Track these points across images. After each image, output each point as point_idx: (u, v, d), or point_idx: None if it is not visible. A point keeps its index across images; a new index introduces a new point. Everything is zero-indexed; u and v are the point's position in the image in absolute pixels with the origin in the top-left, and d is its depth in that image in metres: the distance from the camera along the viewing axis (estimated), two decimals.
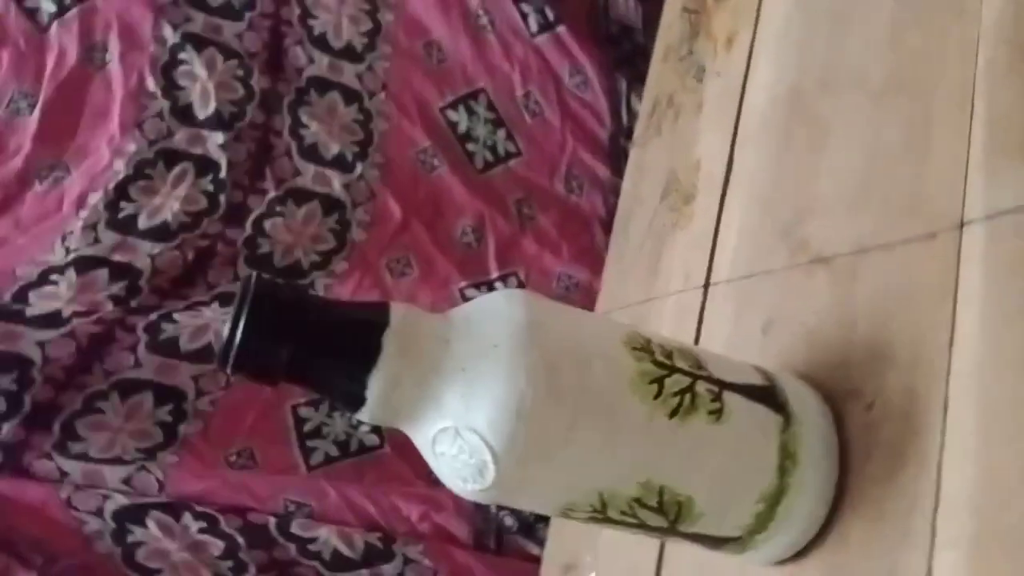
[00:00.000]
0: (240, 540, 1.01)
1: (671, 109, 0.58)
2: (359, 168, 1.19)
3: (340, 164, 1.19)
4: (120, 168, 1.10)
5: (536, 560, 1.10)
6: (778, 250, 0.42)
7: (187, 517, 1.01)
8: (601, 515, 0.31)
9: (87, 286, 1.06)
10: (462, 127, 1.28)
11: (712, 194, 0.49)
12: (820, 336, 0.37)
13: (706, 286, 0.47)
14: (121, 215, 1.08)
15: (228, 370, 0.28)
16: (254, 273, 0.30)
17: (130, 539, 1.00)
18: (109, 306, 1.07)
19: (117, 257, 1.08)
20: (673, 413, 0.30)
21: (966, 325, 0.29)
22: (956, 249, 0.31)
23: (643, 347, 0.32)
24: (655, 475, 0.30)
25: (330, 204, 1.18)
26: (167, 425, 1.06)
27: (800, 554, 0.33)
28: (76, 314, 1.05)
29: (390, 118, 1.26)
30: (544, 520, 1.13)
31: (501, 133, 1.29)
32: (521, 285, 1.22)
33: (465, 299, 1.19)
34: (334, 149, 1.19)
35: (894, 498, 0.30)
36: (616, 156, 1.33)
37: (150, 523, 1.00)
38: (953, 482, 0.28)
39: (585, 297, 1.17)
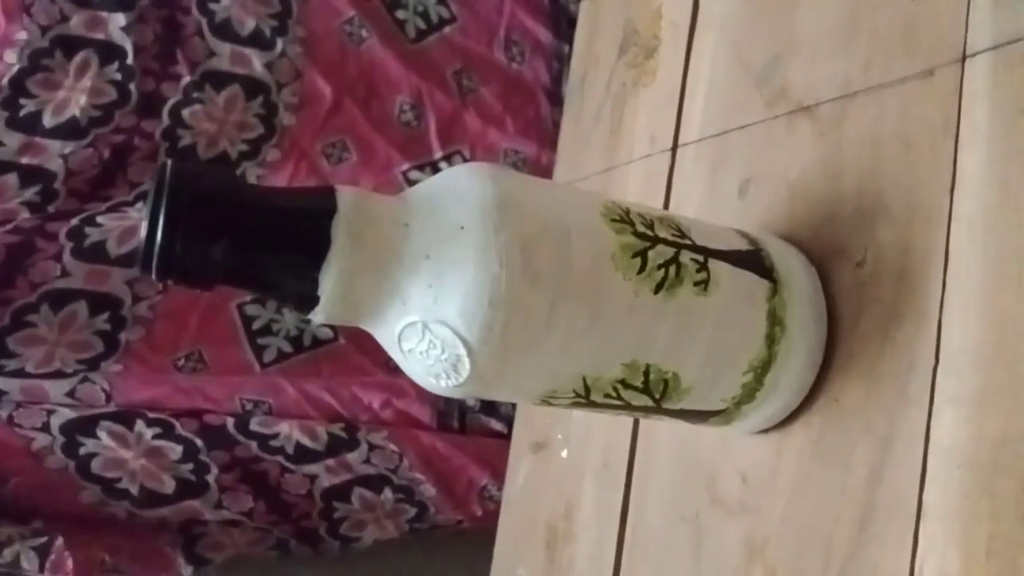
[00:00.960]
0: (198, 442, 1.00)
1: None
2: (280, 44, 1.10)
3: (258, 41, 1.09)
4: (12, 60, 0.98)
5: (500, 436, 1.12)
6: (754, 102, 0.39)
7: (140, 424, 0.98)
8: (584, 400, 0.29)
9: None
10: None
11: (677, 45, 0.45)
12: (803, 193, 0.34)
13: (674, 148, 0.44)
14: (22, 113, 0.98)
15: (152, 276, 0.24)
16: (169, 160, 0.26)
17: (82, 451, 0.97)
18: (25, 213, 0.99)
19: (25, 160, 0.99)
20: (659, 287, 0.28)
21: (969, 167, 0.27)
22: (958, 85, 0.28)
23: (622, 218, 0.29)
24: (641, 355, 0.28)
25: (252, 86, 1.09)
26: (106, 334, 1.01)
27: (785, 421, 0.32)
28: None
29: None
30: None
31: None
32: (466, 163, 1.17)
33: (410, 183, 1.14)
34: (250, 24, 1.09)
35: (889, 358, 0.29)
36: (557, 18, 1.25)
37: (101, 433, 0.97)
38: (954, 338, 0.27)
39: (534, 172, 1.13)
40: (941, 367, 0.27)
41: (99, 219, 1.01)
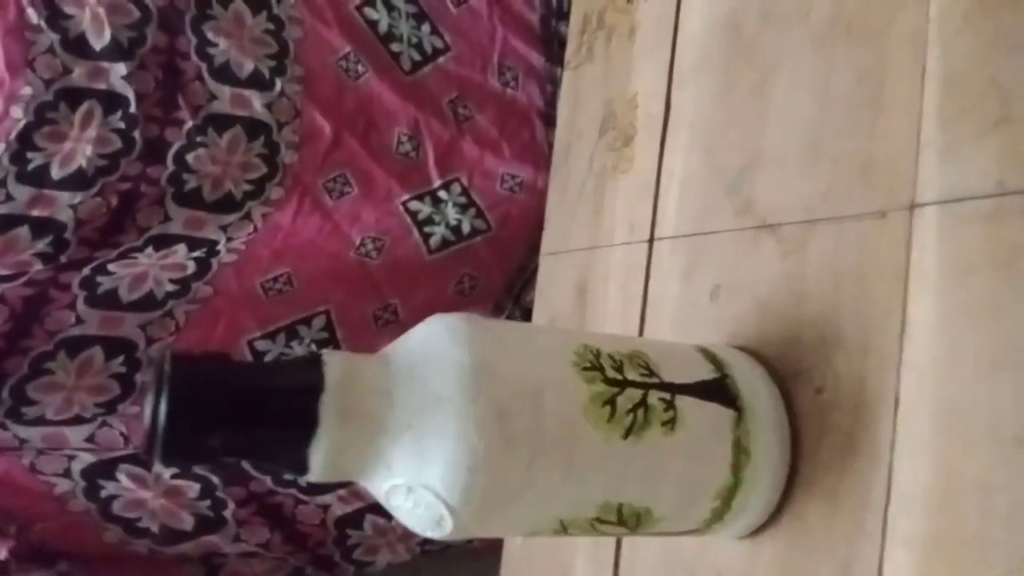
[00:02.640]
0: (214, 479, 1.03)
1: (602, 31, 0.54)
2: (279, 84, 1.12)
3: (257, 82, 1.11)
4: (19, 115, 1.01)
5: None
6: (724, 209, 0.40)
7: (157, 465, 1.01)
8: (563, 532, 0.31)
9: (8, 247, 1.01)
10: (383, 26, 1.19)
11: (652, 137, 0.47)
12: (770, 309, 0.36)
13: (651, 240, 0.46)
14: (30, 167, 1.01)
15: (156, 461, 0.26)
16: (167, 352, 0.28)
17: (103, 494, 1.00)
18: (38, 265, 1.02)
19: (35, 212, 1.02)
20: (628, 432, 0.30)
21: (919, 315, 0.29)
22: (907, 232, 0.30)
23: (593, 364, 0.30)
24: (614, 496, 0.30)
25: (254, 127, 1.11)
26: (122, 376, 1.04)
27: (756, 531, 0.34)
28: (2, 278, 1.00)
29: (303, 23, 1.17)
30: None
31: (425, 28, 1.21)
32: (464, 191, 1.19)
33: (409, 212, 1.15)
34: (248, 66, 1.11)
35: (847, 488, 0.31)
36: (549, 41, 1.26)
37: (121, 476, 1.00)
38: (905, 479, 0.28)
39: (531, 196, 1.15)
40: (892, 506, 0.28)
41: (110, 267, 1.03)
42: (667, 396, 0.31)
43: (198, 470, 1.03)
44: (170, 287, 1.05)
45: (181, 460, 0.26)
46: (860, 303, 0.32)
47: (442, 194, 1.20)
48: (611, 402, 0.30)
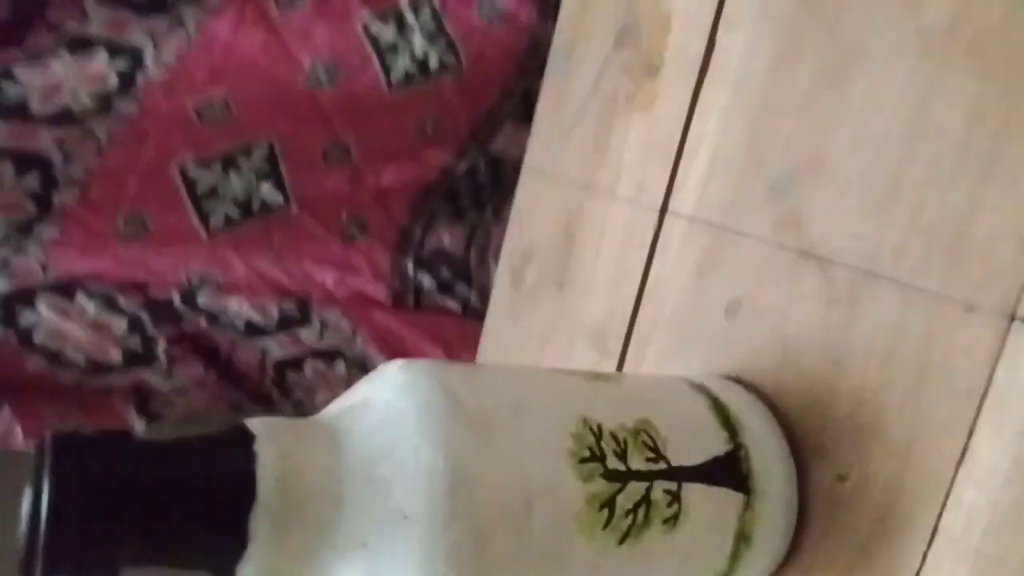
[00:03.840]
0: (144, 317, 0.97)
1: None
2: None
3: None
4: None
5: (455, 315, 1.11)
6: (760, 212, 0.33)
7: (81, 297, 0.95)
8: None
9: None
10: None
11: (683, 80, 0.38)
12: (797, 361, 0.31)
13: (663, 212, 0.39)
14: None
15: None
16: (48, 437, 0.21)
17: (23, 323, 0.94)
18: None
19: None
20: (624, 537, 0.25)
21: (986, 450, 0.24)
22: (997, 343, 0.24)
23: (592, 451, 0.25)
24: None
25: None
26: (37, 196, 0.93)
27: None
28: None
29: None
30: (463, 279, 1.12)
31: None
32: (436, 15, 1.04)
33: (370, 37, 1.01)
34: None
35: None
36: None
37: (40, 306, 0.94)
38: None
39: (512, 32, 1.02)
40: None
41: (17, 71, 0.89)
42: (673, 487, 0.26)
43: (124, 307, 0.97)
44: (88, 103, 0.92)
45: (72, 573, 0.21)
46: (914, 401, 0.26)
47: (409, 17, 1.05)
48: (610, 504, 0.25)
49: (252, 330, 1.01)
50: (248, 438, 0.22)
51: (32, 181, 0.94)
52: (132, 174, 0.98)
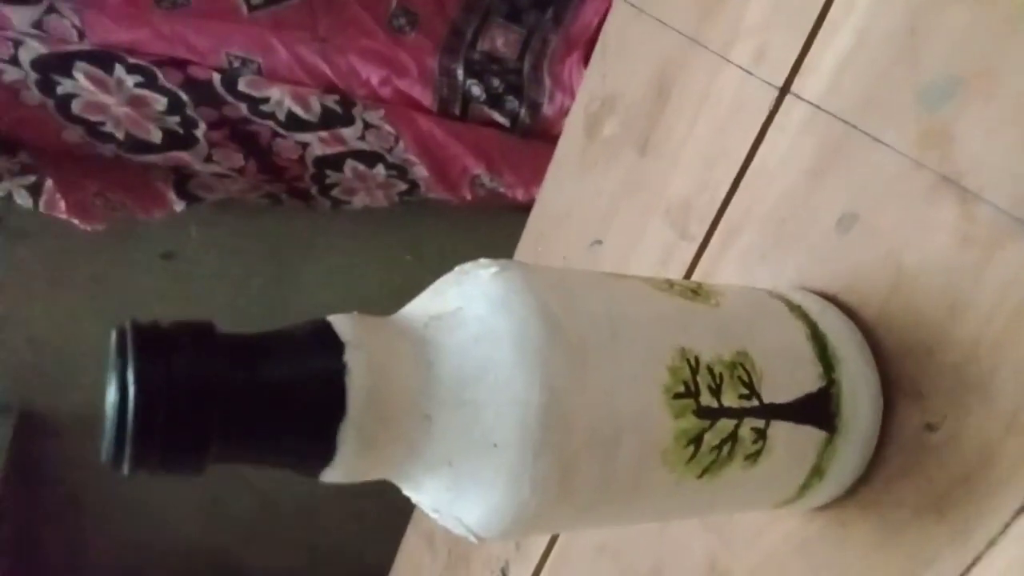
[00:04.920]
0: (184, 96, 0.93)
1: None
2: None
3: None
4: None
5: (501, 128, 1.06)
6: (904, 118, 0.29)
7: (119, 70, 0.90)
8: None
9: None
10: None
11: None
12: (909, 295, 0.28)
13: (784, 90, 0.34)
14: None
15: (125, 470, 0.20)
16: (129, 325, 0.20)
17: (60, 91, 0.91)
18: None
19: None
20: (704, 471, 0.25)
21: None
22: None
23: (687, 386, 0.24)
24: (662, 518, 0.26)
25: None
26: None
27: None
28: None
29: None
30: (514, 91, 1.05)
31: None
32: None
33: None
34: None
35: (911, 545, 0.27)
36: None
37: (78, 75, 0.90)
38: None
39: None
40: None
41: None
42: (761, 425, 0.25)
43: (164, 83, 0.93)
44: None
45: (158, 469, 0.20)
46: None
47: None
48: (697, 440, 0.24)
49: (293, 122, 0.98)
50: (338, 346, 0.21)
51: None
52: None
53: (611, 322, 0.23)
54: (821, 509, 0.30)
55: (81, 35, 0.90)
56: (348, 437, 0.21)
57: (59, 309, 1.11)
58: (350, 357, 0.21)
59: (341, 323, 0.22)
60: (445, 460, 0.22)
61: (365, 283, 1.21)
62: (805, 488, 0.28)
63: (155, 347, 0.20)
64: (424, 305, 0.24)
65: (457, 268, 0.25)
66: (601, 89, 0.47)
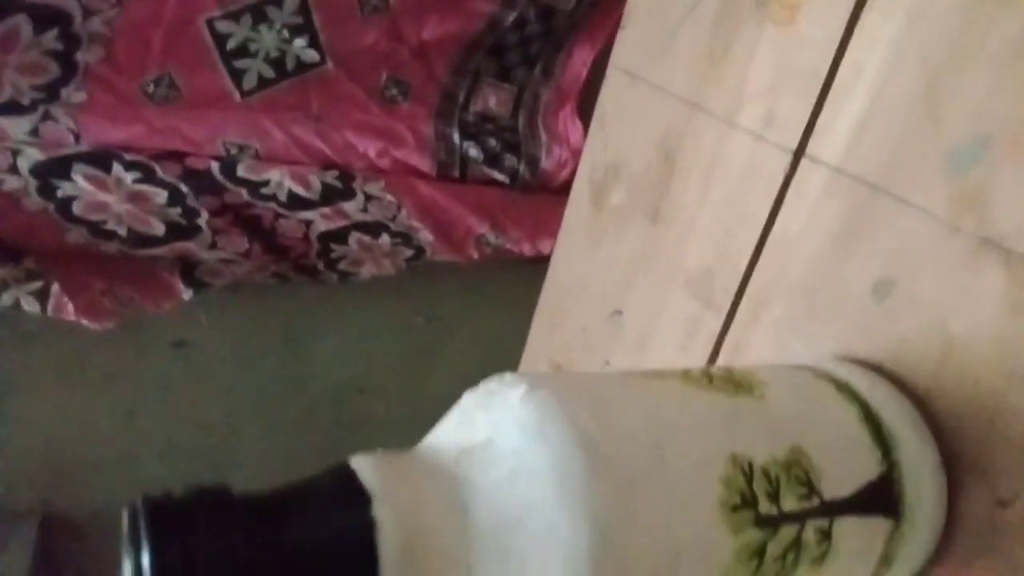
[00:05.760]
0: (183, 187, 0.93)
1: None
2: None
3: None
4: None
5: (501, 186, 1.06)
6: (934, 181, 0.28)
7: (117, 168, 0.91)
8: None
9: None
10: None
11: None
12: (963, 358, 0.27)
13: (799, 154, 0.33)
14: None
15: None
16: (141, 502, 0.18)
17: (60, 194, 0.91)
18: None
19: None
20: None
21: None
22: None
23: (743, 496, 0.22)
24: None
25: None
26: (59, 55, 0.87)
27: None
28: None
29: None
30: (511, 149, 1.05)
31: None
32: None
33: None
34: None
35: None
36: None
37: (77, 177, 0.90)
38: None
39: None
40: None
41: None
42: (826, 524, 0.24)
43: (163, 177, 0.93)
44: None
45: None
46: None
47: None
48: (760, 553, 0.22)
49: (295, 202, 0.98)
50: (364, 500, 0.19)
51: (52, 38, 0.87)
52: (157, 28, 0.91)
53: (655, 440, 0.22)
54: None
55: (77, 138, 0.90)
56: None
57: (73, 408, 1.10)
58: (379, 512, 0.19)
59: (366, 470, 0.20)
60: None
61: (379, 351, 1.20)
62: None
63: (169, 527, 0.18)
64: (452, 435, 0.22)
65: (483, 386, 0.24)
66: (603, 158, 0.46)
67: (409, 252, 1.07)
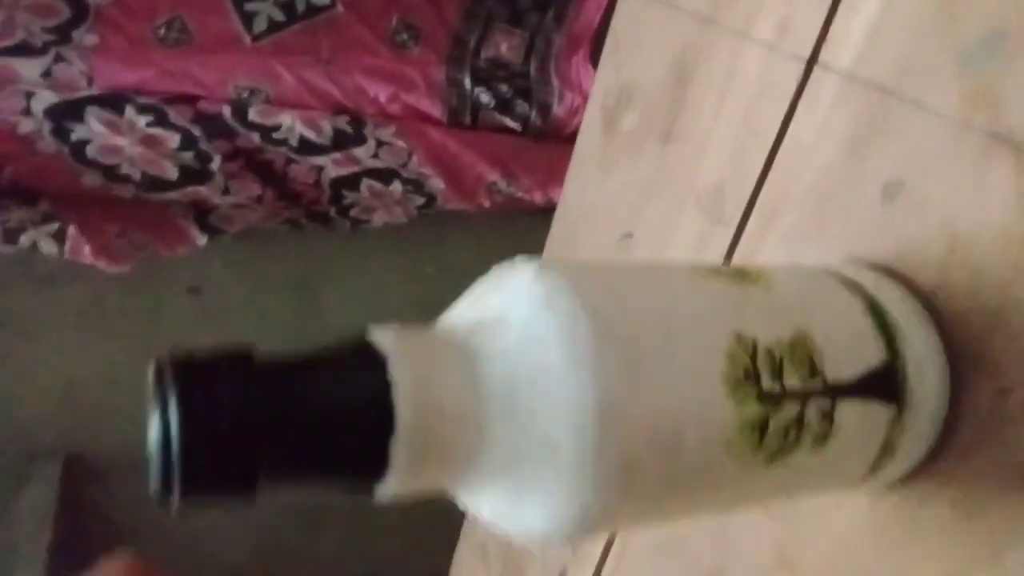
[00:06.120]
0: (196, 131, 0.94)
1: None
2: None
3: None
4: None
5: (513, 133, 1.05)
6: (946, 80, 0.28)
7: (130, 111, 0.91)
8: None
9: None
10: None
11: None
12: (970, 253, 0.27)
13: (811, 62, 0.33)
14: None
15: (176, 499, 0.19)
16: (166, 360, 0.19)
17: (74, 137, 0.91)
18: None
19: None
20: (772, 458, 0.24)
21: None
22: None
23: (747, 372, 0.23)
24: (729, 508, 0.25)
25: None
26: None
27: None
28: None
29: None
30: (523, 95, 1.05)
31: None
32: None
33: None
34: None
35: (985, 518, 0.26)
36: None
37: (90, 119, 0.91)
38: None
39: None
40: None
41: None
42: (828, 405, 0.24)
43: (175, 121, 0.93)
44: None
45: (207, 503, 0.20)
46: None
47: None
48: (762, 427, 0.23)
49: (306, 147, 0.98)
50: (380, 361, 0.20)
51: None
52: None
53: (662, 317, 0.22)
54: (891, 489, 0.29)
55: (90, 80, 0.91)
56: (399, 454, 0.20)
57: (92, 352, 1.12)
58: (395, 372, 0.20)
59: (382, 337, 0.21)
60: (502, 469, 0.21)
61: (391, 299, 1.21)
62: (876, 466, 0.27)
63: (195, 379, 0.19)
64: (464, 313, 0.23)
65: (494, 270, 0.24)
66: (616, 83, 0.46)
67: (421, 200, 1.07)
